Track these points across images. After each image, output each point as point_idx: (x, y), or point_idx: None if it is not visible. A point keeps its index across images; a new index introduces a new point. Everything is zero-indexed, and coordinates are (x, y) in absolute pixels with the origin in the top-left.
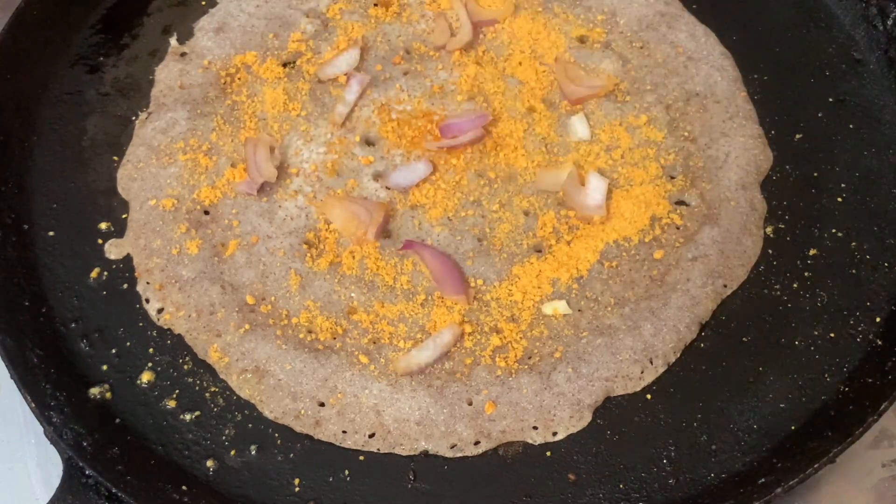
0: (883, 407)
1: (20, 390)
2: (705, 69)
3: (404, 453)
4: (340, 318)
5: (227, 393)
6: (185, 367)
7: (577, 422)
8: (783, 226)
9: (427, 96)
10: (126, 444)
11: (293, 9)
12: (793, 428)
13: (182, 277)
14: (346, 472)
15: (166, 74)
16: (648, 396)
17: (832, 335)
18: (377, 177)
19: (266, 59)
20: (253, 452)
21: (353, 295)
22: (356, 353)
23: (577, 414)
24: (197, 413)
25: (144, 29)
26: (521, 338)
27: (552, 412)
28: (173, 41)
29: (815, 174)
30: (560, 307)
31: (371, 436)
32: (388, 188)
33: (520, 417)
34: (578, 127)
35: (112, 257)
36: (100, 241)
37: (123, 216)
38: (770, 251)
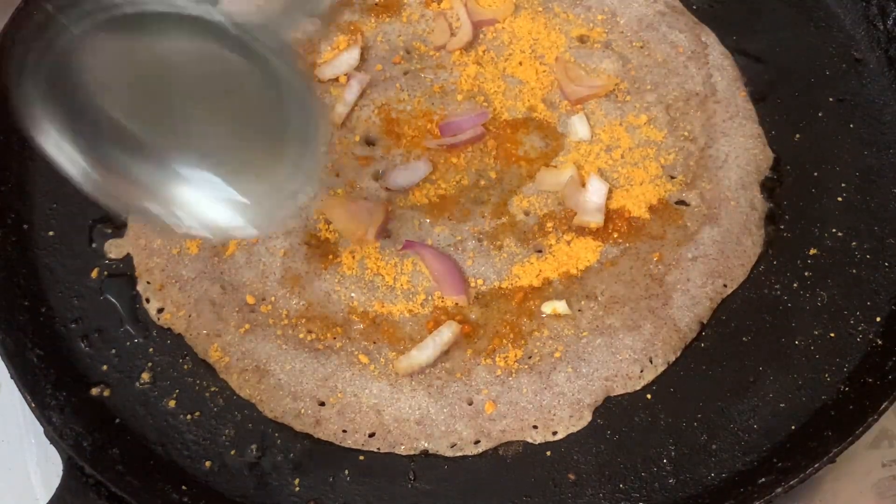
0: (883, 407)
1: (20, 390)
2: (705, 69)
3: (404, 453)
4: (340, 318)
5: (227, 393)
6: (185, 367)
7: (577, 421)
8: (783, 226)
9: (427, 96)
10: (126, 444)
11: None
12: (793, 428)
13: (182, 277)
14: (346, 472)
15: None
16: (648, 396)
17: (832, 335)
18: (377, 177)
19: None
20: (253, 452)
21: (353, 295)
22: (356, 353)
23: (577, 414)
24: (197, 413)
25: None
26: (521, 337)
27: (552, 412)
28: None
29: (816, 174)
30: (560, 307)
31: (371, 435)
32: (388, 188)
33: (520, 417)
34: (578, 127)
35: (112, 257)
36: (100, 241)
37: (123, 216)
38: (770, 251)
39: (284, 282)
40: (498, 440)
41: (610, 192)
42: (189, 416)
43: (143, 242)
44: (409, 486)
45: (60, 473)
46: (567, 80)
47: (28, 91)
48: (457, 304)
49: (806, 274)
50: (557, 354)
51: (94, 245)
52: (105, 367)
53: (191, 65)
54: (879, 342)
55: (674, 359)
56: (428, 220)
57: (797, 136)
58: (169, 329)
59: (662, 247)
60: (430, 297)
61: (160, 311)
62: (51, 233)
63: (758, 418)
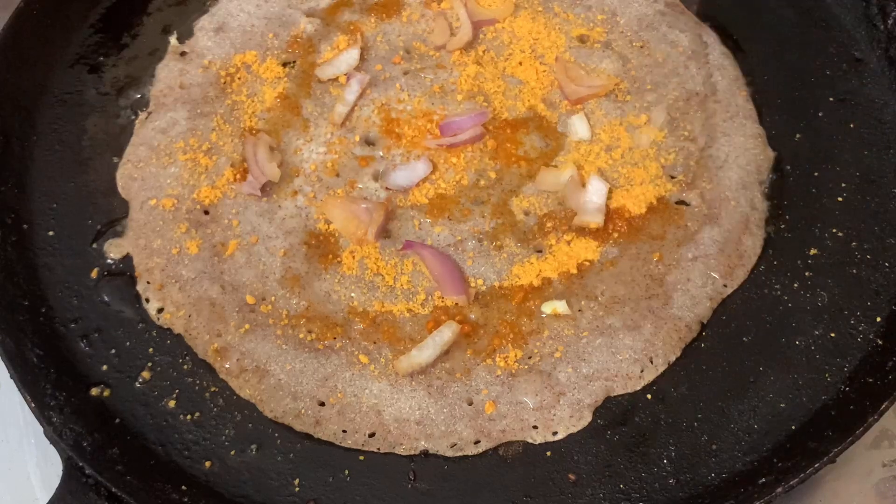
0: (883, 407)
1: (20, 390)
2: (706, 69)
3: (404, 453)
4: (340, 318)
5: (227, 393)
6: (185, 367)
7: (577, 422)
8: (783, 226)
9: (427, 96)
10: (126, 444)
11: (293, 8)
12: (793, 428)
13: (182, 277)
14: (346, 472)
15: (166, 74)
16: (648, 396)
17: (832, 335)
18: (377, 177)
19: (266, 58)
20: (253, 452)
21: (353, 295)
22: (356, 353)
23: (577, 414)
24: (197, 413)
25: (144, 28)
26: (521, 337)
27: (552, 412)
28: (173, 40)
29: (816, 174)
30: (560, 307)
31: (371, 435)
32: (388, 188)
33: (520, 417)
34: (578, 127)
35: (112, 257)
36: (100, 241)
37: (123, 216)
38: (770, 251)
39: (284, 282)
40: (498, 440)
41: (610, 191)
42: (189, 416)
43: (143, 242)
44: (409, 486)
45: (60, 473)
46: (567, 80)
47: None
48: (457, 304)
49: (806, 274)
50: (557, 354)
51: (94, 245)
52: (105, 367)
53: None
54: (880, 342)
55: (674, 359)
56: (428, 220)
57: (797, 135)
58: (169, 329)
59: (662, 247)
60: (430, 297)
61: (160, 311)
62: (51, 233)
63: (758, 418)
